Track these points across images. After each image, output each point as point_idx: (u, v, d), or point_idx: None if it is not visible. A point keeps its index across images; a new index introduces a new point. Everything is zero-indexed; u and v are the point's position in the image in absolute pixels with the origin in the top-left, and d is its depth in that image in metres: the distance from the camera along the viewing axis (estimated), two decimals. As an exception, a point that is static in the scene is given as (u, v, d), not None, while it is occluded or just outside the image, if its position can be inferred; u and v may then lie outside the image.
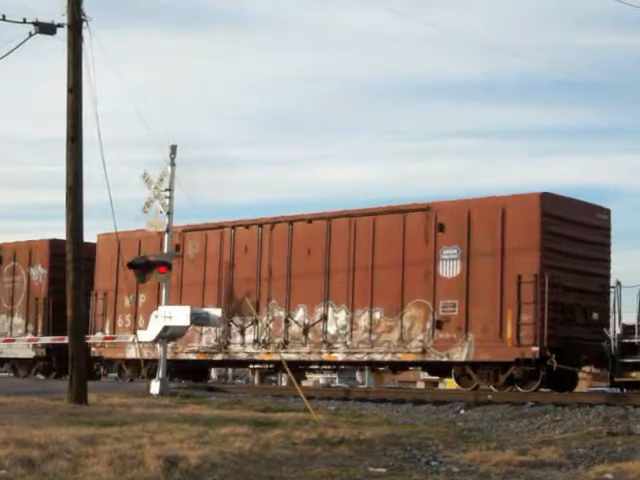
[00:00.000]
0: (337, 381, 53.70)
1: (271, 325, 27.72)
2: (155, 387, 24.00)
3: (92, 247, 31.36)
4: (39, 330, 33.78)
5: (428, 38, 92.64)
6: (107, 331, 31.22)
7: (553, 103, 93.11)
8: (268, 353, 27.67)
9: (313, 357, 27.11)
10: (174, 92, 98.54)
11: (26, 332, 34.14)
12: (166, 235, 25.29)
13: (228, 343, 28.61)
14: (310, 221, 27.41)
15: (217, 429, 14.60)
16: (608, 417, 18.61)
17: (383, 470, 12.01)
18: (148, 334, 25.14)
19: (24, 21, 20.81)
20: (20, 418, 15.55)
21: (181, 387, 26.64)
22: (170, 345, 27.06)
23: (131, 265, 25.45)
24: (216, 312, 25.63)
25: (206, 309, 26.38)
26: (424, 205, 25.49)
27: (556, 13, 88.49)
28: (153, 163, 25.68)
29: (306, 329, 26.95)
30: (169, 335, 25.09)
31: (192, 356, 29.37)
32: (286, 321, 27.35)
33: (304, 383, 30.48)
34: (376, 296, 25.87)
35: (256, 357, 28.43)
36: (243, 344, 28.31)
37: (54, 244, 33.42)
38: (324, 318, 26.63)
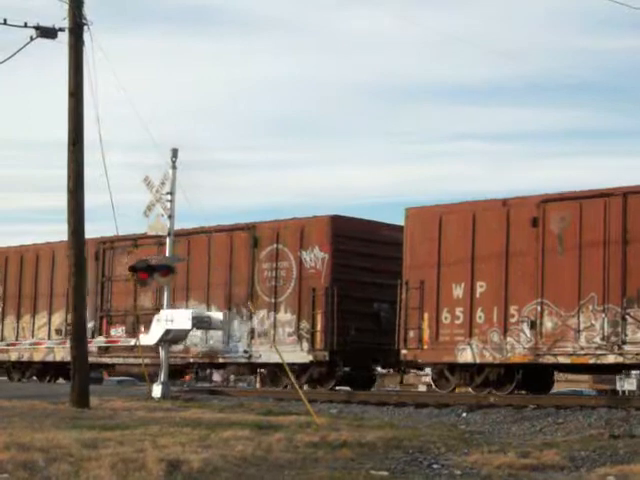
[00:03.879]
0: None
1: None
2: (157, 390, 24.04)
3: (378, 229, 28.12)
4: (318, 328, 27.17)
5: (433, 42, 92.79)
6: (427, 329, 25.21)
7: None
8: None
9: None
10: (175, 95, 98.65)
11: (298, 330, 27.53)
12: (168, 239, 25.35)
13: (623, 342, 22.75)
14: None
15: (219, 432, 14.61)
16: (610, 420, 18.58)
17: (385, 473, 12.01)
18: (150, 338, 25.23)
19: (25, 25, 20.87)
20: (22, 422, 15.56)
21: (183, 390, 26.65)
22: (528, 345, 23.50)
23: (133, 269, 25.50)
24: (218, 315, 25.67)
25: (208, 312, 26.43)
26: None
27: (561, 16, 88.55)
28: (157, 167, 25.34)
29: None
30: (171, 339, 25.14)
31: (563, 359, 23.64)
32: None
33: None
34: None
35: None
36: None
37: (337, 222, 27.68)
38: None
